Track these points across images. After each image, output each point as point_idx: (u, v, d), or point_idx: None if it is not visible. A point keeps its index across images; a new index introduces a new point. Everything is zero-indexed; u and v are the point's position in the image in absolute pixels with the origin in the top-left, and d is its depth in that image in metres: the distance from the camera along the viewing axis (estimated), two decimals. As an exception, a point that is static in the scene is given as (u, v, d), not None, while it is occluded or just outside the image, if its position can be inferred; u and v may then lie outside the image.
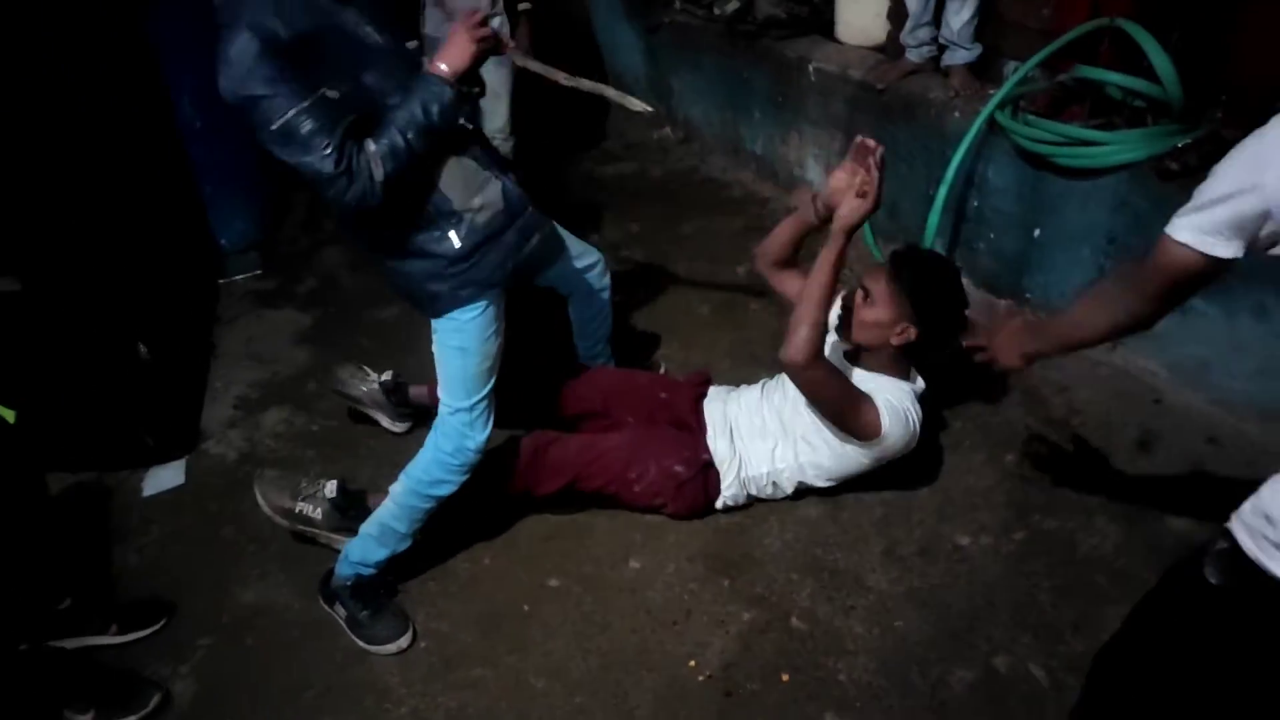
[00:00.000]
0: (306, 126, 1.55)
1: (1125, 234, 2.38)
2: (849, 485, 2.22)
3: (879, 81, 3.07)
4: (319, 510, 2.18)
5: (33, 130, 2.49)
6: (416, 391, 2.63)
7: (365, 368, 2.64)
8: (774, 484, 2.20)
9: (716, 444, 2.19)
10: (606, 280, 2.45)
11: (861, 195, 1.90)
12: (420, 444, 2.05)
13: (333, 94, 1.60)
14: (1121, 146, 2.30)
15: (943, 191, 2.73)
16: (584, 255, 2.38)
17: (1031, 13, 2.78)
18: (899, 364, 2.12)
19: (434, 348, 1.98)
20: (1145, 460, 2.23)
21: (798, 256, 2.33)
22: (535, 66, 1.89)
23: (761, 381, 2.36)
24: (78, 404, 2.46)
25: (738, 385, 2.39)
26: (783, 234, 2.29)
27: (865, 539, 2.15)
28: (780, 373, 2.26)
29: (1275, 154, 1.02)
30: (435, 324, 1.94)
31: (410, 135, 1.66)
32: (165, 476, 2.61)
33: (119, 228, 2.85)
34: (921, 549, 2.10)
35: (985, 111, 2.58)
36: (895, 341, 2.03)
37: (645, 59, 4.48)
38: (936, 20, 2.96)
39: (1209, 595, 1.07)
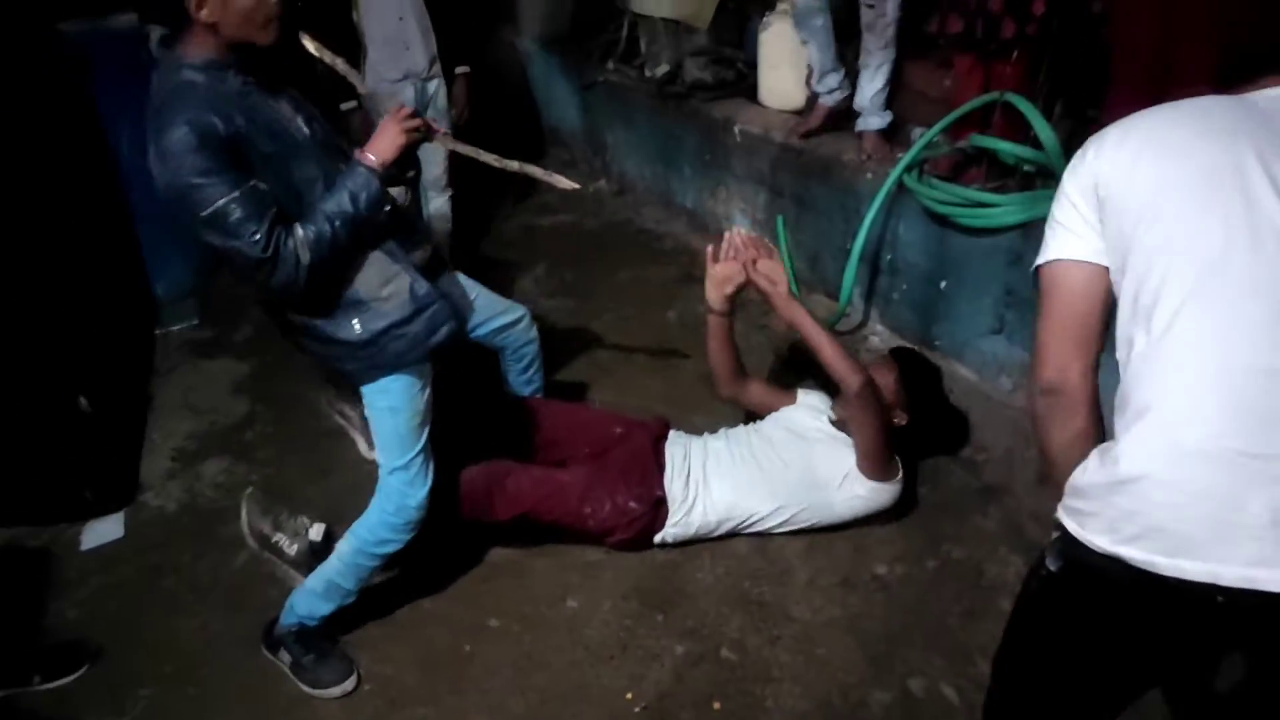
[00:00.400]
0: (236, 214, 1.62)
1: (1020, 286, 2.60)
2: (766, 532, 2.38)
3: (799, 131, 3.28)
4: (294, 547, 2.18)
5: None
6: None
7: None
8: (726, 529, 2.33)
9: (673, 484, 2.30)
10: (533, 334, 2.56)
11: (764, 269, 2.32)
12: (362, 493, 2.12)
13: (263, 186, 1.68)
14: (1012, 208, 2.53)
15: (857, 246, 2.93)
16: (507, 313, 2.49)
17: (934, 85, 3.04)
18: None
19: (365, 410, 2.05)
20: (1043, 493, 2.42)
21: (741, 364, 2.58)
22: (464, 149, 1.97)
23: (724, 431, 2.50)
24: (17, 458, 2.46)
25: (696, 433, 2.52)
26: (717, 349, 2.50)
27: (790, 571, 2.28)
28: (743, 425, 2.50)
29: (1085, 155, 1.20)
30: (362, 389, 2.01)
31: (337, 224, 1.74)
32: (104, 529, 2.62)
33: (58, 276, 2.87)
34: (843, 579, 2.24)
35: (894, 174, 2.80)
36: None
37: (580, 114, 4.66)
38: (844, 64, 3.19)
39: (1053, 582, 1.19)
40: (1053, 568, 1.18)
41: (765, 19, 3.61)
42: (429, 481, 2.06)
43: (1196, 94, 1.19)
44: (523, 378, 2.62)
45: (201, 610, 2.33)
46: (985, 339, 2.77)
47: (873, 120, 3.11)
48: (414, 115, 1.86)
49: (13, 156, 2.77)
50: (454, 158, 3.46)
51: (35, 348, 2.59)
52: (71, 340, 2.82)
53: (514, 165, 1.98)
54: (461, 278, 2.34)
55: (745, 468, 2.32)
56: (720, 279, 2.37)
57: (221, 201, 1.61)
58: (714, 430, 2.55)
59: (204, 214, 1.62)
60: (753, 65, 3.82)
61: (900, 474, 2.31)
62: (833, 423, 2.37)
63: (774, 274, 2.33)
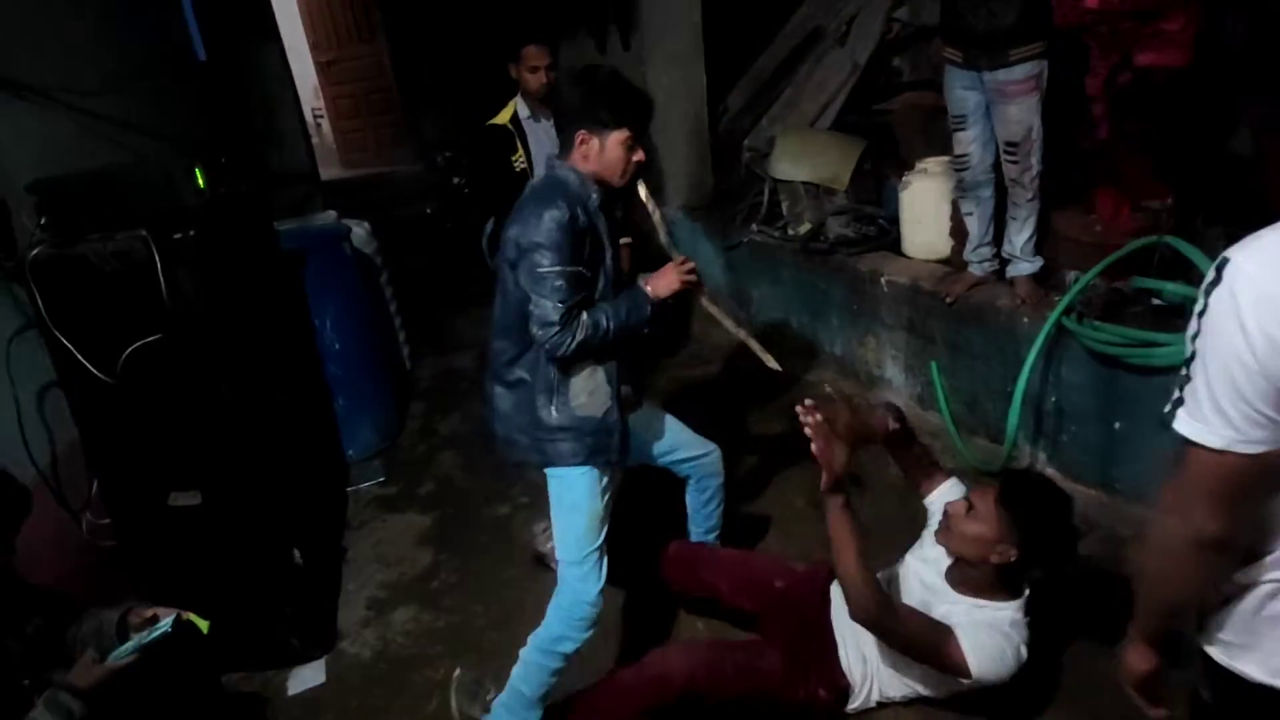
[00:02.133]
0: (558, 283, 2.04)
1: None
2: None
3: (947, 295, 3.37)
4: None
5: (213, 363, 2.91)
6: None
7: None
8: (902, 695, 2.25)
9: (851, 665, 2.23)
10: (719, 469, 2.72)
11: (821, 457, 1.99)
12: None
13: (587, 273, 2.10)
14: (1183, 347, 2.50)
15: (1020, 388, 2.94)
16: (699, 446, 2.68)
17: (1083, 230, 3.10)
18: (999, 583, 2.09)
19: (551, 509, 2.30)
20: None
21: (917, 458, 2.41)
22: (715, 310, 2.46)
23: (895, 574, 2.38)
24: (244, 609, 2.72)
25: None
26: (903, 464, 2.45)
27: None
28: (900, 566, 2.35)
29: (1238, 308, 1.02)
30: (549, 479, 2.28)
31: (611, 324, 2.11)
32: (307, 675, 2.81)
33: (275, 443, 3.22)
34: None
35: (1054, 315, 2.84)
36: (994, 560, 2.02)
37: (724, 271, 4.92)
38: (995, 239, 3.29)
39: (1210, 713, 1.17)
40: (1206, 697, 1.17)
41: (906, 178, 3.81)
42: (602, 578, 2.24)
43: None
44: (704, 510, 2.76)
45: (399, 756, 2.45)
46: (1168, 480, 2.68)
47: (1024, 266, 3.18)
48: (692, 270, 2.27)
49: (240, 340, 3.20)
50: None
51: (257, 506, 2.89)
52: (287, 499, 3.13)
53: (743, 334, 2.48)
54: (666, 416, 2.62)
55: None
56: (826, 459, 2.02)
57: (556, 269, 2.03)
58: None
59: (539, 270, 2.03)
60: (893, 221, 4.00)
61: (972, 668, 1.98)
62: (948, 574, 2.17)
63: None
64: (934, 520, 2.27)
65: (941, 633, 2.01)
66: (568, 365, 2.17)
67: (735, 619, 2.62)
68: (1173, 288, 2.58)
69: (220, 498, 2.72)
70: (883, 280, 3.73)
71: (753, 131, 5.21)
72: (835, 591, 2.33)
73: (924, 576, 2.23)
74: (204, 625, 2.19)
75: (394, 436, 4.33)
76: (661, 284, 2.23)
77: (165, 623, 2.00)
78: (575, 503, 2.24)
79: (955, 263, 3.61)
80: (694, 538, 2.80)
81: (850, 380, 4.12)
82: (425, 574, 3.27)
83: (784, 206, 4.51)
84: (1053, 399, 3.06)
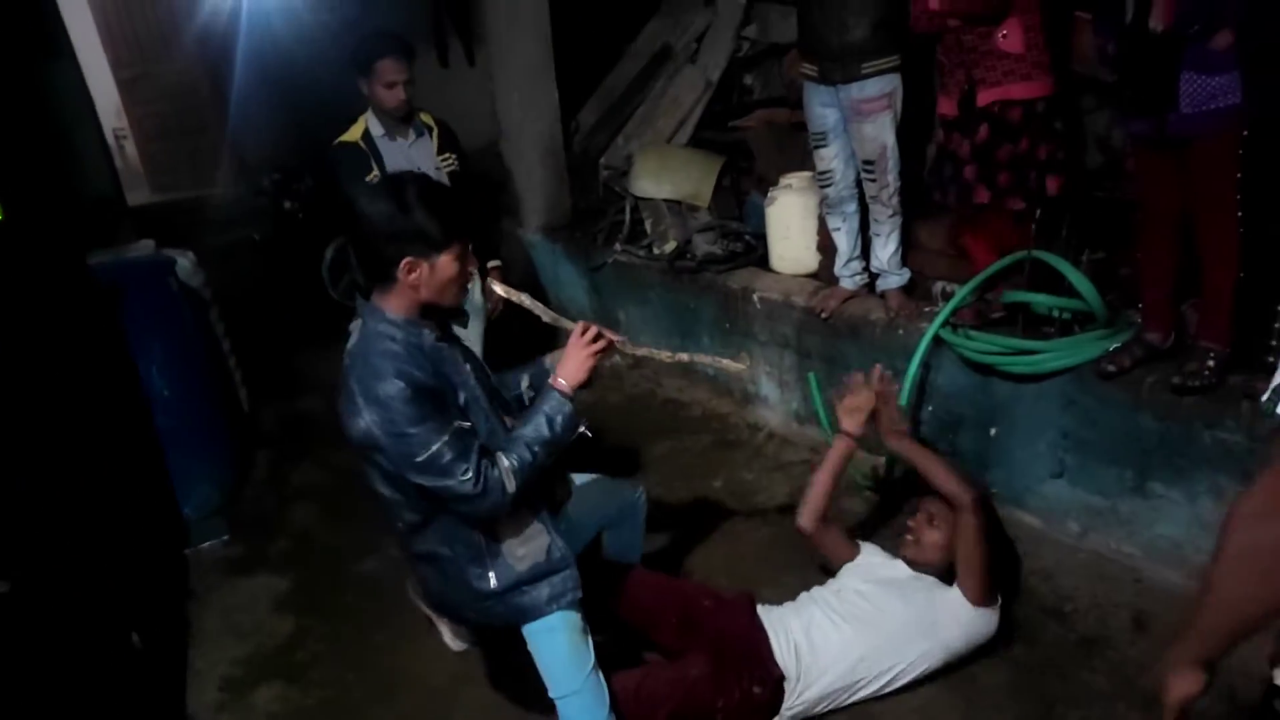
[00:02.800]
0: (447, 456, 1.74)
1: (1077, 428, 2.64)
2: (877, 696, 2.27)
3: (821, 310, 3.38)
4: None
5: (17, 420, 2.49)
6: None
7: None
8: (843, 701, 2.26)
9: (785, 660, 2.21)
10: (642, 515, 2.55)
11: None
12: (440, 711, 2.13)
13: (466, 424, 1.80)
14: (1058, 353, 2.60)
15: (901, 402, 2.96)
16: (627, 493, 2.51)
17: (950, 243, 3.18)
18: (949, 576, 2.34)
19: (529, 645, 2.02)
20: (1146, 640, 2.36)
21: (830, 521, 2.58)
22: (642, 351, 2.18)
23: (804, 596, 2.43)
24: (74, 707, 2.31)
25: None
26: (826, 476, 2.54)
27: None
28: (817, 587, 2.44)
29: None
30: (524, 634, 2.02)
31: (537, 449, 1.84)
32: (155, 777, 2.44)
33: (98, 510, 2.80)
34: (961, 755, 2.13)
35: (931, 329, 2.88)
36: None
37: (589, 294, 4.79)
38: (864, 252, 3.34)
39: None
40: None
41: (771, 194, 3.82)
42: (606, 699, 1.99)
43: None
44: (628, 544, 2.56)
45: None
46: (1046, 484, 2.77)
47: (893, 279, 3.23)
48: (597, 336, 1.94)
49: (49, 392, 2.77)
50: (488, 343, 3.53)
51: (82, 586, 2.49)
52: (112, 570, 2.72)
53: (684, 357, 2.22)
54: (577, 479, 2.37)
55: (850, 628, 2.24)
56: (850, 408, 2.54)
57: (435, 446, 1.73)
58: (788, 599, 2.47)
59: (419, 459, 1.74)
60: (759, 236, 4.00)
61: (999, 601, 2.30)
62: (908, 563, 2.39)
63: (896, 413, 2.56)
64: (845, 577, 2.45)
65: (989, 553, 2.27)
66: (488, 526, 1.91)
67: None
68: (1042, 298, 2.66)
69: (34, 583, 2.31)
70: (755, 297, 3.71)
71: (609, 149, 5.13)
72: (763, 609, 2.38)
73: (883, 580, 2.37)
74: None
75: (237, 489, 3.91)
76: (573, 368, 1.92)
77: None
78: (550, 625, 1.99)
79: (824, 276, 3.64)
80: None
81: (725, 399, 4.08)
82: (287, 644, 2.92)
83: (647, 225, 4.44)
84: (929, 408, 3.11)
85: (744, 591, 2.51)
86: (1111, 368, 2.50)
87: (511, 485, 1.80)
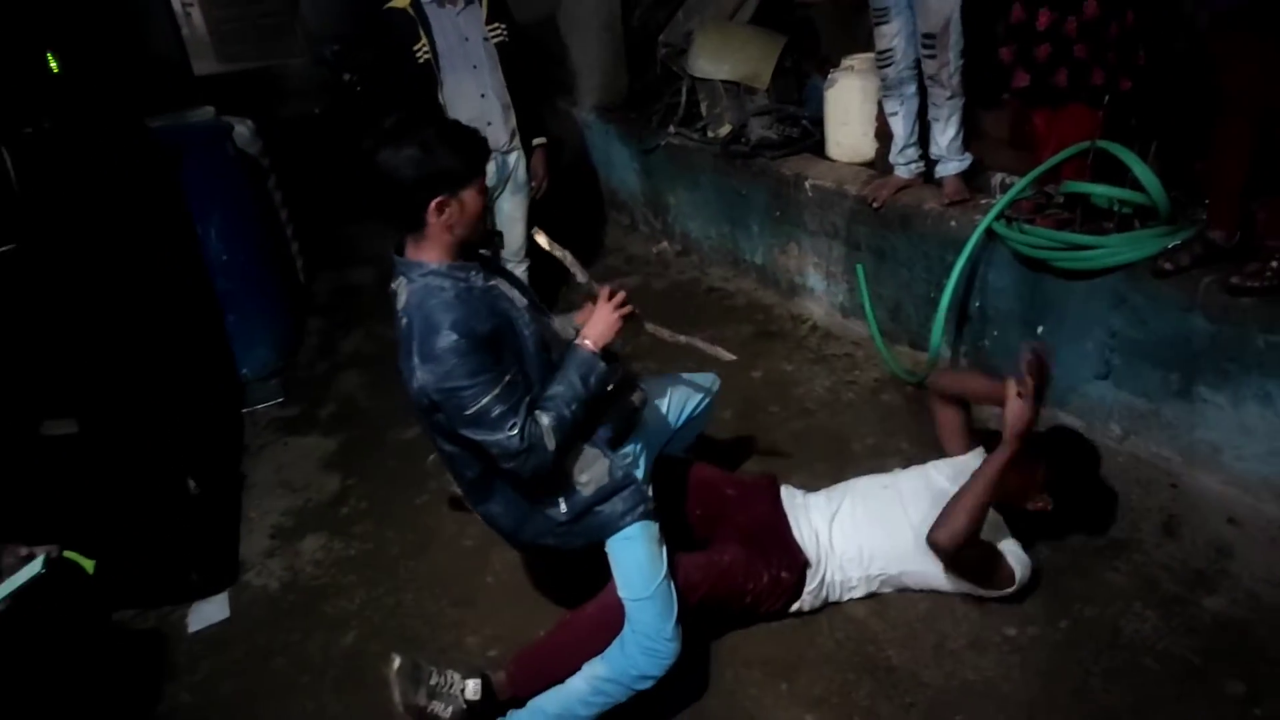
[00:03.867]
0: (497, 410, 1.77)
1: (1126, 329, 2.55)
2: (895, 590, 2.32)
3: (873, 199, 3.28)
4: (450, 709, 2.02)
5: (81, 275, 2.59)
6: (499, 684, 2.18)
7: (450, 674, 2.07)
8: (859, 593, 2.29)
9: (805, 541, 2.24)
10: (712, 406, 2.55)
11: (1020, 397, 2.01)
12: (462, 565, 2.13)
13: (517, 378, 1.82)
14: (1114, 249, 2.49)
15: (946, 296, 2.89)
16: (703, 386, 2.47)
17: (1011, 130, 3.03)
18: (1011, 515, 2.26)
19: (608, 554, 2.06)
20: (1172, 544, 2.33)
21: (969, 412, 2.44)
22: (660, 332, 2.18)
23: (843, 486, 2.41)
24: (134, 543, 2.49)
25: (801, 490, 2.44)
26: (974, 388, 2.40)
27: (915, 635, 2.21)
28: (899, 472, 2.42)
29: None
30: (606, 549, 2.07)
31: (574, 407, 1.88)
32: (210, 611, 2.62)
33: (159, 363, 2.93)
34: (971, 642, 2.16)
35: (984, 223, 2.77)
36: (1030, 509, 2.19)
37: (640, 177, 4.72)
38: (921, 140, 3.20)
39: None
40: None
41: (831, 76, 3.66)
42: (675, 609, 2.02)
43: None
44: (687, 434, 2.54)
45: (316, 692, 2.31)
46: (1091, 384, 2.71)
47: (952, 165, 3.09)
48: (625, 301, 1.99)
49: (110, 248, 2.87)
50: (532, 226, 3.53)
51: (148, 433, 2.64)
52: (173, 421, 2.87)
53: (684, 339, 2.21)
54: (654, 383, 2.37)
55: (870, 529, 2.25)
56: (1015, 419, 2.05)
57: (486, 400, 1.75)
58: (814, 489, 2.48)
59: (469, 413, 1.76)
60: (817, 122, 3.86)
61: (1016, 576, 2.16)
62: None
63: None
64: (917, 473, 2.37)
65: (994, 554, 2.16)
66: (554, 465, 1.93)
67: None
68: (1102, 190, 2.53)
69: (99, 425, 2.46)
70: (807, 185, 3.61)
71: (668, 26, 4.93)
72: (786, 492, 2.40)
73: (935, 495, 2.23)
74: (88, 564, 1.98)
75: (292, 354, 4.06)
76: (599, 331, 1.95)
77: (36, 563, 1.79)
78: (630, 534, 2.03)
79: (881, 165, 3.51)
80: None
81: (770, 289, 4.04)
82: (333, 500, 3.08)
83: (703, 107, 4.31)
84: (976, 304, 3.03)
85: (766, 475, 2.53)
86: (1169, 265, 2.39)
87: (551, 443, 1.83)
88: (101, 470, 2.43)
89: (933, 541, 2.07)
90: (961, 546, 2.05)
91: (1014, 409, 2.02)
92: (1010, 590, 2.17)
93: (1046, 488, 2.18)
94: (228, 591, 2.69)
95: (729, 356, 2.27)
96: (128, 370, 2.65)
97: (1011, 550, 2.19)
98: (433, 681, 2.02)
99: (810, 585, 2.23)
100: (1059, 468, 2.19)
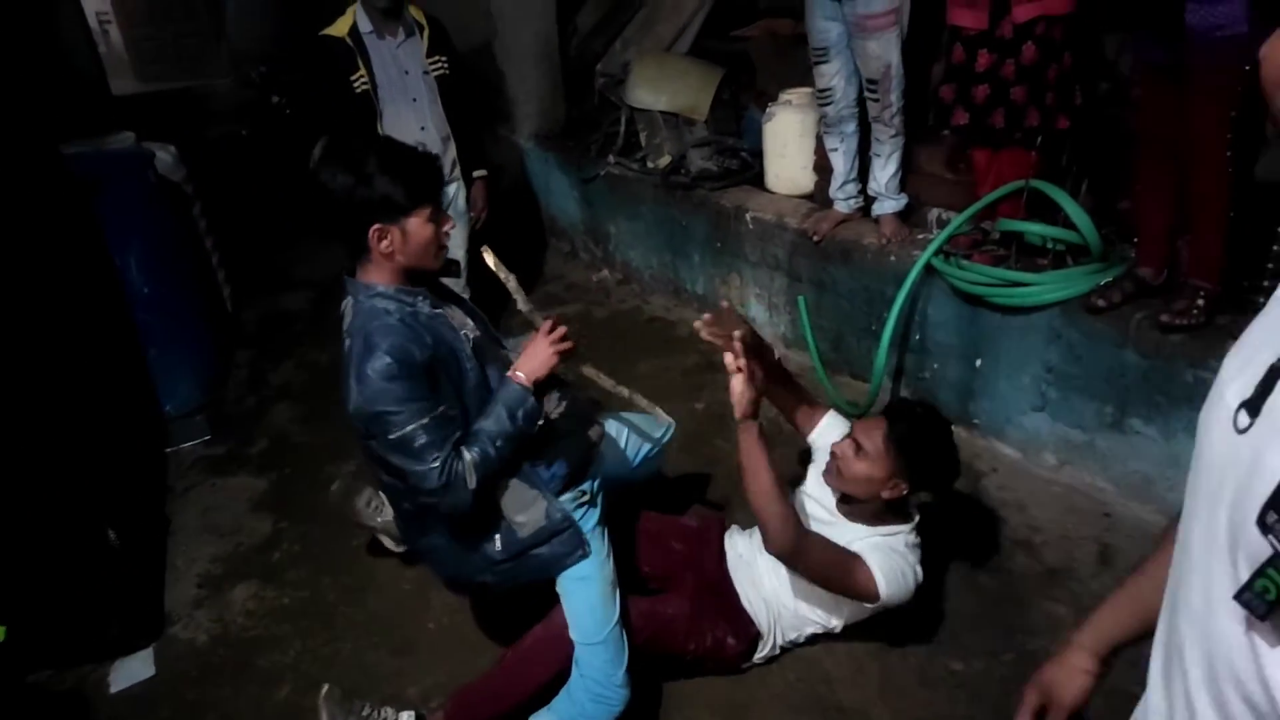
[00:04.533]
0: (420, 440, 1.72)
1: (1061, 363, 2.62)
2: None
3: (814, 233, 3.31)
4: None
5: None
6: None
7: (384, 710, 2.17)
8: (804, 639, 2.24)
9: (755, 612, 2.17)
10: (663, 449, 2.49)
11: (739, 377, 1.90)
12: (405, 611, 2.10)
13: (451, 411, 1.77)
14: (1049, 286, 2.56)
15: (888, 329, 2.93)
16: (656, 430, 2.40)
17: (946, 167, 3.10)
18: (888, 510, 2.08)
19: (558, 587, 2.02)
20: (1108, 573, 2.39)
21: (798, 393, 2.35)
22: (598, 377, 2.09)
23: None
24: (43, 597, 2.34)
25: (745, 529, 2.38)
26: (780, 402, 2.34)
27: (863, 671, 2.21)
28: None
29: None
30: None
31: (499, 444, 1.82)
32: (133, 668, 2.48)
33: (76, 403, 2.79)
34: (919, 677, 2.17)
35: (923, 258, 2.83)
36: (886, 495, 2.01)
37: (580, 206, 4.70)
38: (860, 175, 3.25)
39: None
40: None
41: (769, 109, 3.70)
42: (626, 655, 1.99)
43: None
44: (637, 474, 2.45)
45: (249, 753, 2.20)
46: (1027, 416, 2.77)
47: (889, 204, 3.15)
48: (564, 336, 1.93)
49: (22, 283, 2.72)
50: (474, 256, 3.46)
51: (56, 477, 2.49)
52: (89, 466, 2.72)
53: (626, 391, 2.14)
54: (611, 424, 2.30)
55: (784, 578, 2.17)
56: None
57: (410, 428, 1.71)
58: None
59: (391, 438, 1.72)
60: (756, 154, 3.90)
61: (880, 590, 1.95)
62: (838, 500, 2.13)
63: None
64: (819, 456, 2.23)
65: (851, 558, 1.97)
66: (485, 502, 1.88)
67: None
68: (1036, 228, 2.61)
69: (10, 469, 2.31)
70: (748, 216, 3.63)
71: (606, 56, 4.95)
72: (729, 542, 2.31)
73: (814, 511, 2.18)
74: None
75: (218, 389, 3.90)
76: (534, 364, 1.89)
77: None
78: (584, 574, 1.98)
79: (819, 198, 3.56)
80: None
81: (712, 318, 4.04)
82: (264, 545, 2.95)
83: (642, 137, 4.32)
84: (916, 337, 3.08)
85: (713, 517, 2.49)
86: (1101, 302, 2.46)
87: (472, 481, 1.77)
88: (12, 518, 2.28)
89: (768, 552, 1.97)
90: (793, 544, 1.91)
91: (734, 386, 1.91)
92: (877, 605, 2.00)
93: (898, 471, 1.99)
94: (153, 647, 2.55)
95: (666, 419, 2.25)
96: (42, 410, 2.50)
97: (881, 563, 1.96)
98: (365, 713, 1.98)
99: (762, 652, 2.20)
100: (900, 437, 1.98)
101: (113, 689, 2.42)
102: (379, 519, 2.59)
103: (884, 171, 3.11)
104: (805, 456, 2.40)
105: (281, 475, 3.32)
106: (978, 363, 2.88)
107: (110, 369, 3.20)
